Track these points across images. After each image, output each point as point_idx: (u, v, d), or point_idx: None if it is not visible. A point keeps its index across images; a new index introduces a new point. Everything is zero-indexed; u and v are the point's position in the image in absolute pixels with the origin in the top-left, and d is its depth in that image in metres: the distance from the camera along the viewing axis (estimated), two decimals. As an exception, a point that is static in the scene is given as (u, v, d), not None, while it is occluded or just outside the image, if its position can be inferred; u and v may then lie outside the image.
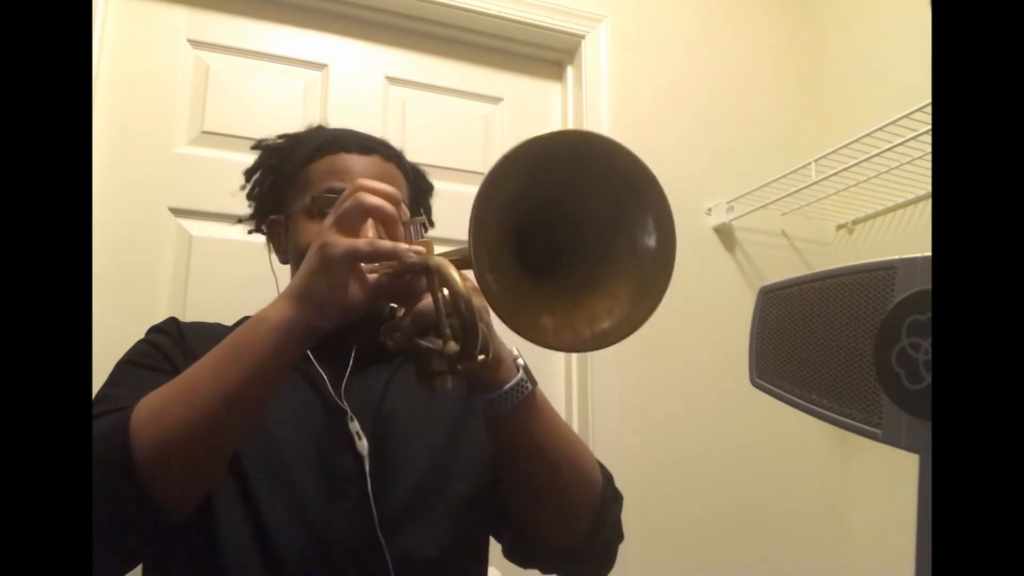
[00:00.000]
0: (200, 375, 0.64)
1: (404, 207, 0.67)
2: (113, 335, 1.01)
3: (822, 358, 0.50)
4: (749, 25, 2.03)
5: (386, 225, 0.66)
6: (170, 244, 1.47)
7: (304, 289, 0.63)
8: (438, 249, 0.67)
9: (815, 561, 1.79)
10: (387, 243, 0.63)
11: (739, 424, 1.77)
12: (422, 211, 1.01)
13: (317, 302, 0.63)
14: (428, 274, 0.61)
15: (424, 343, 0.63)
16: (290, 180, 0.90)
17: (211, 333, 0.87)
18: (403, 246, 0.63)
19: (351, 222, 0.64)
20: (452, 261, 0.62)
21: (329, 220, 0.64)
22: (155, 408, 0.63)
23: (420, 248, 0.63)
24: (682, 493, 1.71)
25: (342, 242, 0.62)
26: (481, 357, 0.60)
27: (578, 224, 0.59)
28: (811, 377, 0.50)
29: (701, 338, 1.77)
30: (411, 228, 0.67)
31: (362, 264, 0.64)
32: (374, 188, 0.65)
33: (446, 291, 0.58)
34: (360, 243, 0.62)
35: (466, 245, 0.55)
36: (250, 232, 1.00)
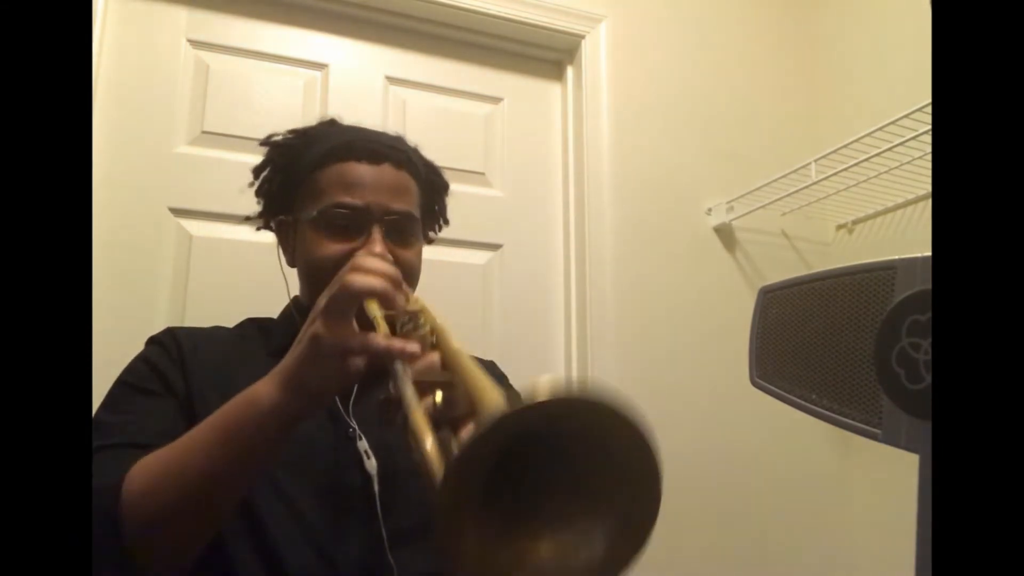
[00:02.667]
0: (190, 454, 0.65)
1: (404, 291, 0.66)
2: (113, 335, 1.01)
3: (822, 358, 0.50)
4: (749, 25, 2.03)
5: (383, 302, 0.65)
6: (170, 244, 1.47)
7: (296, 377, 0.63)
8: (438, 249, 0.66)
9: (815, 560, 1.79)
10: (380, 344, 0.61)
11: (739, 424, 1.77)
12: (436, 211, 1.00)
13: (309, 392, 0.63)
14: (409, 427, 0.57)
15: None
16: (299, 182, 0.89)
17: (211, 339, 0.86)
18: (396, 347, 0.60)
19: (342, 310, 0.62)
20: (442, 382, 0.60)
21: (321, 302, 0.63)
22: (145, 485, 0.64)
23: (415, 348, 0.61)
24: (681, 493, 1.71)
25: (333, 338, 0.61)
26: None
27: (558, 477, 0.53)
28: (811, 377, 0.50)
29: (701, 338, 1.77)
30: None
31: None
32: (368, 267, 0.64)
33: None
34: (352, 342, 0.61)
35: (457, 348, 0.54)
36: (258, 229, 0.99)
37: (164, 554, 0.65)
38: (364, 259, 0.66)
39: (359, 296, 0.63)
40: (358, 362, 0.63)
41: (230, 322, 0.94)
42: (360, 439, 0.80)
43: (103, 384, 0.77)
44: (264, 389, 0.64)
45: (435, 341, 0.65)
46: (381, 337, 0.62)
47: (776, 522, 1.79)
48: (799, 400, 0.51)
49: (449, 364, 0.62)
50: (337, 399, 0.83)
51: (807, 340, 0.51)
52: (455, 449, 0.45)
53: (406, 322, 0.68)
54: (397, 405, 0.64)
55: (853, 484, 1.86)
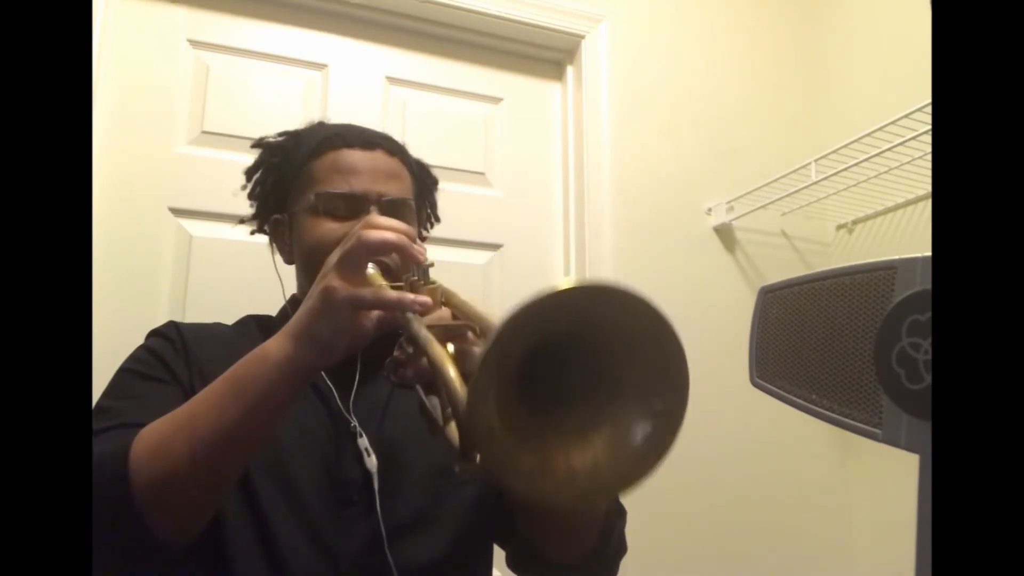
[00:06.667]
0: (201, 410, 0.64)
1: (418, 246, 0.66)
2: (113, 335, 1.01)
3: (822, 358, 0.50)
4: (749, 25, 2.03)
5: (400, 254, 0.65)
6: (170, 244, 1.47)
7: (307, 330, 0.63)
8: (438, 249, 0.66)
9: (815, 561, 1.79)
10: (391, 295, 0.62)
11: (739, 424, 1.77)
12: (427, 206, 1.00)
13: (319, 344, 0.62)
14: (429, 361, 0.58)
15: (426, 402, 0.62)
16: (293, 177, 0.89)
17: (212, 335, 0.87)
18: (408, 298, 0.61)
19: (354, 263, 0.63)
20: (458, 327, 0.60)
21: (334, 258, 0.64)
22: (156, 442, 0.63)
23: (426, 300, 0.61)
24: (682, 493, 1.71)
25: (345, 290, 0.61)
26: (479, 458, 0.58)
27: (589, 367, 0.55)
28: (811, 377, 0.50)
29: (701, 338, 1.77)
30: (419, 270, 0.66)
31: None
32: (380, 224, 0.65)
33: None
34: (364, 293, 0.61)
35: (472, 306, 0.53)
36: (252, 233, 0.99)
37: (175, 515, 0.63)
38: (375, 218, 0.66)
39: (374, 249, 0.63)
40: (368, 319, 0.63)
41: (229, 322, 0.94)
42: (360, 436, 0.80)
43: (103, 384, 0.77)
44: (274, 344, 0.64)
45: (444, 301, 0.65)
46: (392, 290, 0.63)
47: (776, 522, 1.79)
48: (799, 400, 0.51)
49: (461, 316, 0.62)
50: (337, 396, 0.83)
51: (807, 340, 0.51)
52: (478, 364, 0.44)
53: (415, 281, 0.68)
54: (405, 363, 0.65)
55: (853, 484, 1.86)
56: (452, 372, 0.51)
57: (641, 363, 0.53)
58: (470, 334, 0.59)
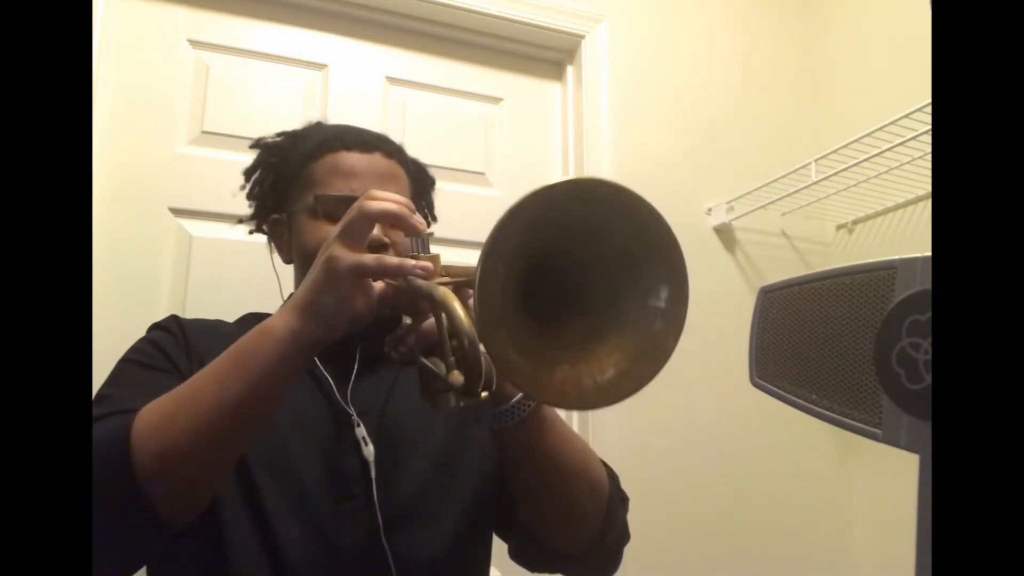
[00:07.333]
0: (203, 385, 0.64)
1: (418, 216, 0.66)
2: (113, 335, 1.01)
3: (822, 358, 0.50)
4: (749, 25, 2.03)
5: (397, 226, 0.66)
6: (170, 244, 1.47)
7: (309, 302, 0.63)
8: (439, 250, 0.67)
9: (815, 561, 1.79)
10: (393, 260, 0.63)
11: (739, 424, 1.77)
12: (424, 205, 1.01)
13: (323, 315, 0.63)
14: (433, 303, 0.60)
15: (428, 364, 0.63)
16: (292, 178, 0.90)
17: (214, 331, 0.87)
18: (409, 263, 0.62)
19: (356, 232, 0.64)
20: (458, 284, 0.61)
21: (336, 230, 0.64)
22: (157, 418, 0.63)
23: (427, 264, 0.62)
24: (681, 493, 1.71)
25: (348, 257, 0.62)
26: (484, 394, 0.59)
27: (588, 273, 0.57)
28: (811, 377, 0.50)
29: (701, 338, 1.77)
30: (419, 241, 0.67)
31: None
32: (381, 196, 0.66)
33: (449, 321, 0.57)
34: (367, 259, 0.62)
35: (472, 266, 0.54)
36: (251, 232, 1.00)
37: (176, 491, 0.63)
38: (376, 191, 0.67)
39: (375, 218, 0.64)
40: (371, 291, 0.64)
41: (231, 320, 0.94)
42: (358, 426, 0.80)
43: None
44: (278, 319, 0.65)
45: (444, 272, 0.66)
46: (394, 257, 0.64)
47: (776, 522, 1.79)
48: (799, 400, 0.51)
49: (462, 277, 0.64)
50: (335, 387, 0.83)
51: (807, 340, 0.51)
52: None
53: (415, 254, 0.69)
54: (405, 335, 0.67)
55: (853, 484, 1.86)
56: (458, 306, 0.53)
57: (635, 259, 0.54)
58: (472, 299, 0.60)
